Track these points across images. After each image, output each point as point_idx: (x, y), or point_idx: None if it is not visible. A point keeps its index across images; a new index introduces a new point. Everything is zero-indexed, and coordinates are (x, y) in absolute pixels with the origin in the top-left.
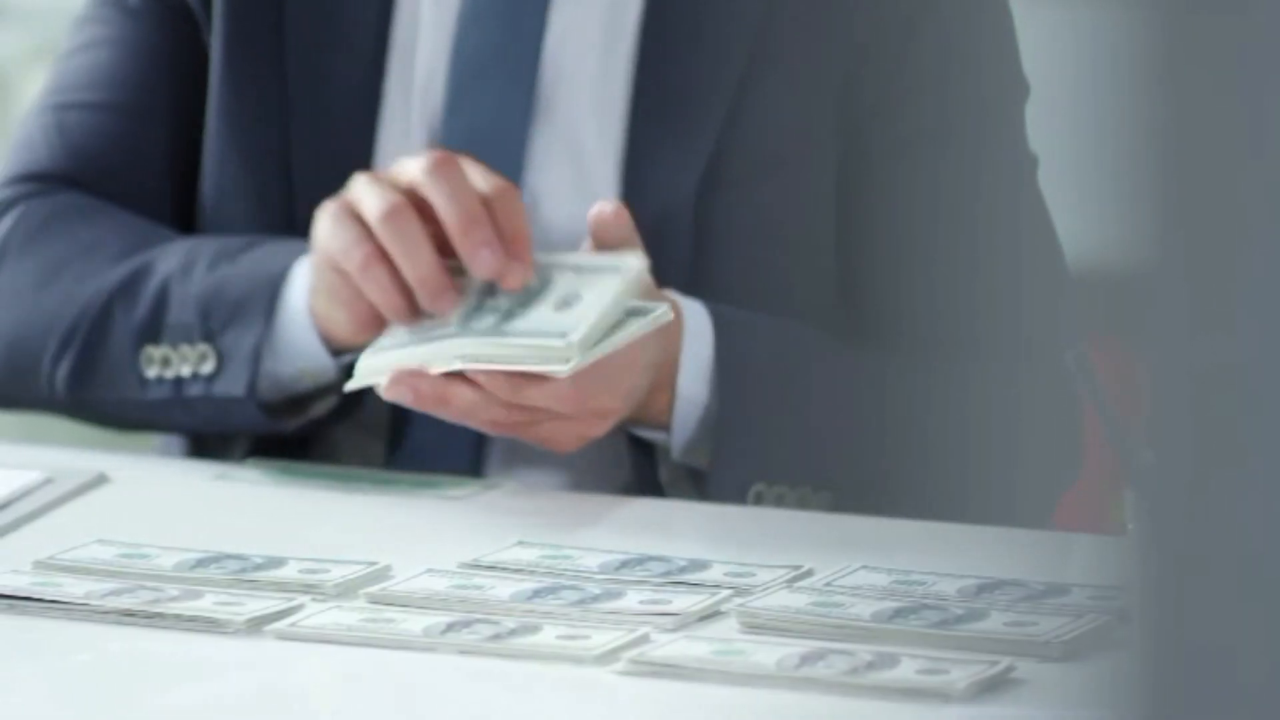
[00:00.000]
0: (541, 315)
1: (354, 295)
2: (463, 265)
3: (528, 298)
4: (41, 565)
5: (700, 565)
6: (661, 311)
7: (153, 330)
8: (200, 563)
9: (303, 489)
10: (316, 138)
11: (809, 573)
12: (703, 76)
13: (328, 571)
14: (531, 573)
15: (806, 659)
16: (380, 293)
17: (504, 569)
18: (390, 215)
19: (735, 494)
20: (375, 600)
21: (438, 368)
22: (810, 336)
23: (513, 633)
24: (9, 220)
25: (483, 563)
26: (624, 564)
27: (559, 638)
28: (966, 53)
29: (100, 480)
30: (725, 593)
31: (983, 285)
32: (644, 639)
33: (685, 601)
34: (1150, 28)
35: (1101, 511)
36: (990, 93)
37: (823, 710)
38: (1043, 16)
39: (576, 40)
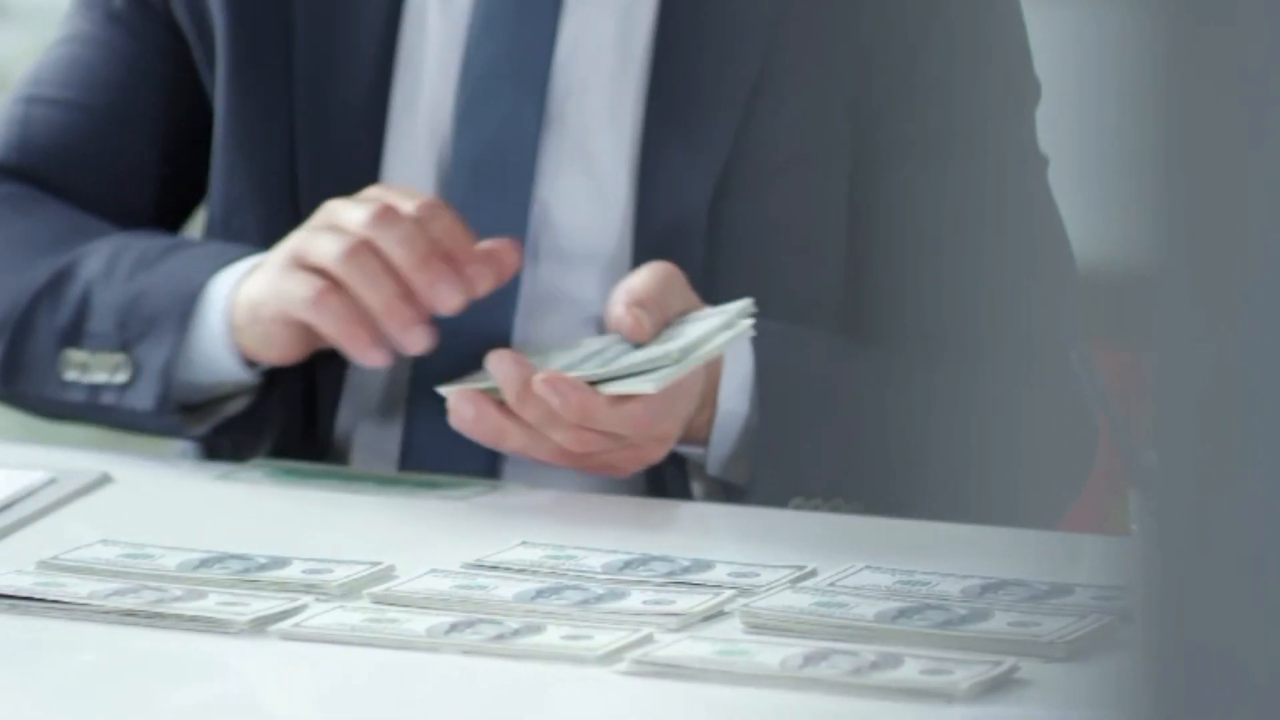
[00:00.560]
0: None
1: (290, 340)
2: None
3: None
4: (45, 565)
5: (704, 565)
6: (745, 324)
7: (74, 334)
8: (204, 563)
9: (306, 489)
10: (323, 151)
11: (812, 573)
12: (715, 84)
13: (331, 572)
14: (535, 573)
15: (810, 659)
16: (338, 324)
17: (507, 569)
18: (348, 255)
19: (773, 506)
20: (379, 600)
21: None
22: (842, 347)
23: (516, 633)
24: None
25: (486, 563)
26: (627, 564)
27: (562, 638)
28: (977, 55)
29: (104, 480)
30: (729, 593)
31: (994, 288)
32: (647, 639)
33: (689, 602)
34: (1155, 28)
35: (1106, 512)
36: (1001, 94)
37: (826, 710)
38: (1047, 16)
39: (587, 50)
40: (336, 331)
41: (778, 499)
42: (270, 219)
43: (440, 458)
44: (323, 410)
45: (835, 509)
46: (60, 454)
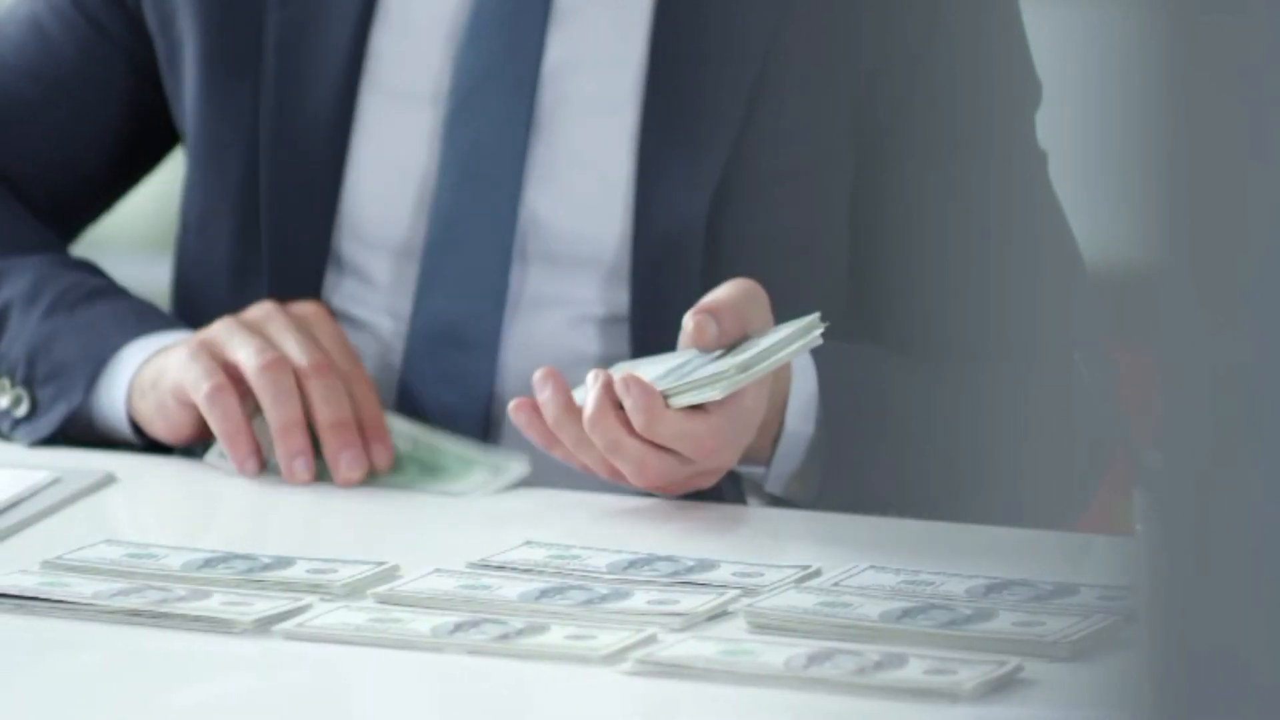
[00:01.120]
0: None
1: (181, 420)
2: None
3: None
4: (49, 565)
5: (708, 565)
6: (815, 334)
7: None
8: (208, 563)
9: (311, 489)
10: (288, 164)
11: (817, 573)
12: (713, 92)
13: (335, 571)
14: (539, 573)
15: (814, 659)
16: (224, 420)
17: (512, 569)
18: (269, 367)
19: None
20: (383, 600)
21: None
22: (892, 361)
23: (520, 633)
24: None
25: (491, 563)
26: (631, 564)
27: (567, 638)
28: (980, 59)
29: (108, 480)
30: (733, 593)
31: (1004, 290)
32: (651, 639)
33: (693, 602)
34: (1158, 27)
35: (1110, 512)
36: (1004, 97)
37: (831, 710)
38: (1050, 16)
39: (577, 60)
40: (221, 430)
41: (843, 505)
42: (244, 227)
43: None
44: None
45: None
46: (64, 454)
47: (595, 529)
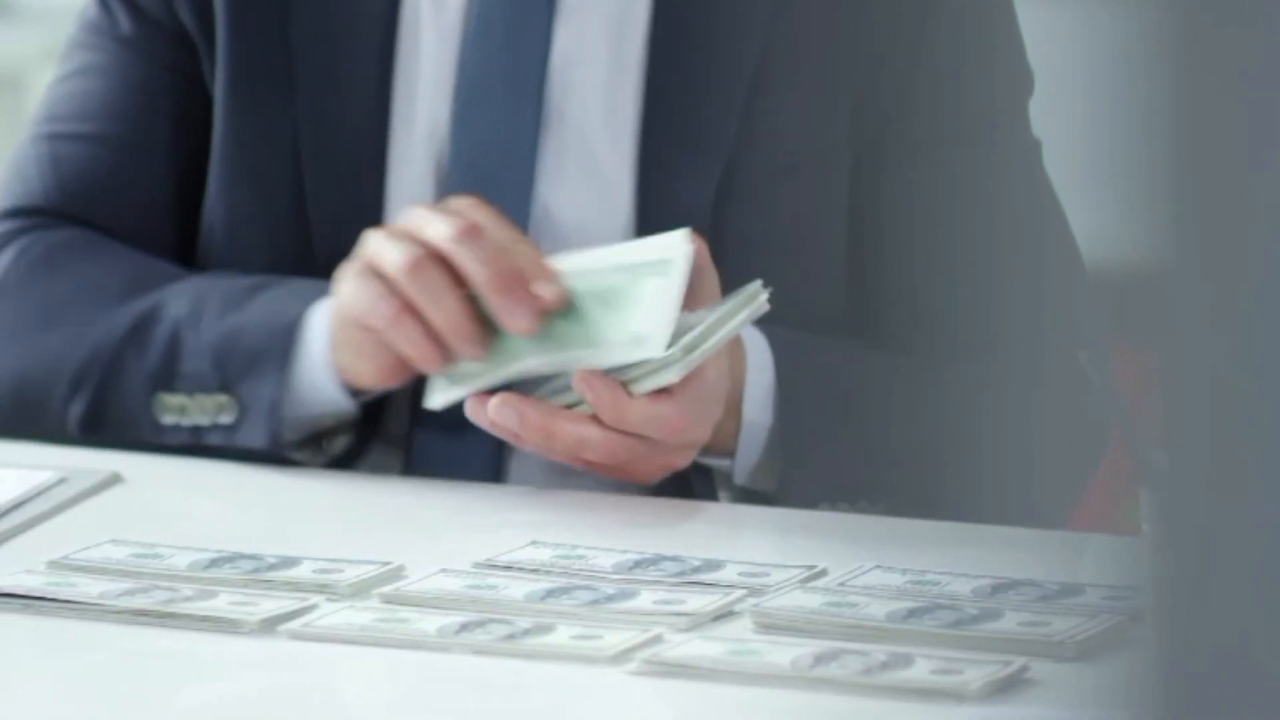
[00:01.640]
0: (616, 322)
1: (379, 349)
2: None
3: (584, 308)
4: (56, 565)
5: (714, 565)
6: (761, 299)
7: (165, 378)
8: (214, 562)
9: (317, 489)
10: (328, 161)
11: (823, 573)
12: (713, 85)
13: (341, 571)
14: (545, 573)
15: (820, 659)
16: (411, 345)
17: (518, 569)
18: (414, 268)
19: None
20: (389, 600)
21: (530, 369)
22: (857, 351)
23: (526, 633)
24: (7, 256)
25: (496, 563)
26: (638, 564)
27: (573, 638)
28: (977, 52)
29: (114, 480)
30: (739, 593)
31: (1002, 286)
32: (658, 639)
33: (699, 602)
34: (1163, 25)
35: (1116, 512)
36: (1001, 90)
37: (837, 710)
38: (1055, 15)
39: (583, 54)
40: (413, 353)
41: (805, 504)
42: (275, 234)
43: (445, 459)
44: None
45: (860, 511)
46: (70, 453)
47: (601, 529)
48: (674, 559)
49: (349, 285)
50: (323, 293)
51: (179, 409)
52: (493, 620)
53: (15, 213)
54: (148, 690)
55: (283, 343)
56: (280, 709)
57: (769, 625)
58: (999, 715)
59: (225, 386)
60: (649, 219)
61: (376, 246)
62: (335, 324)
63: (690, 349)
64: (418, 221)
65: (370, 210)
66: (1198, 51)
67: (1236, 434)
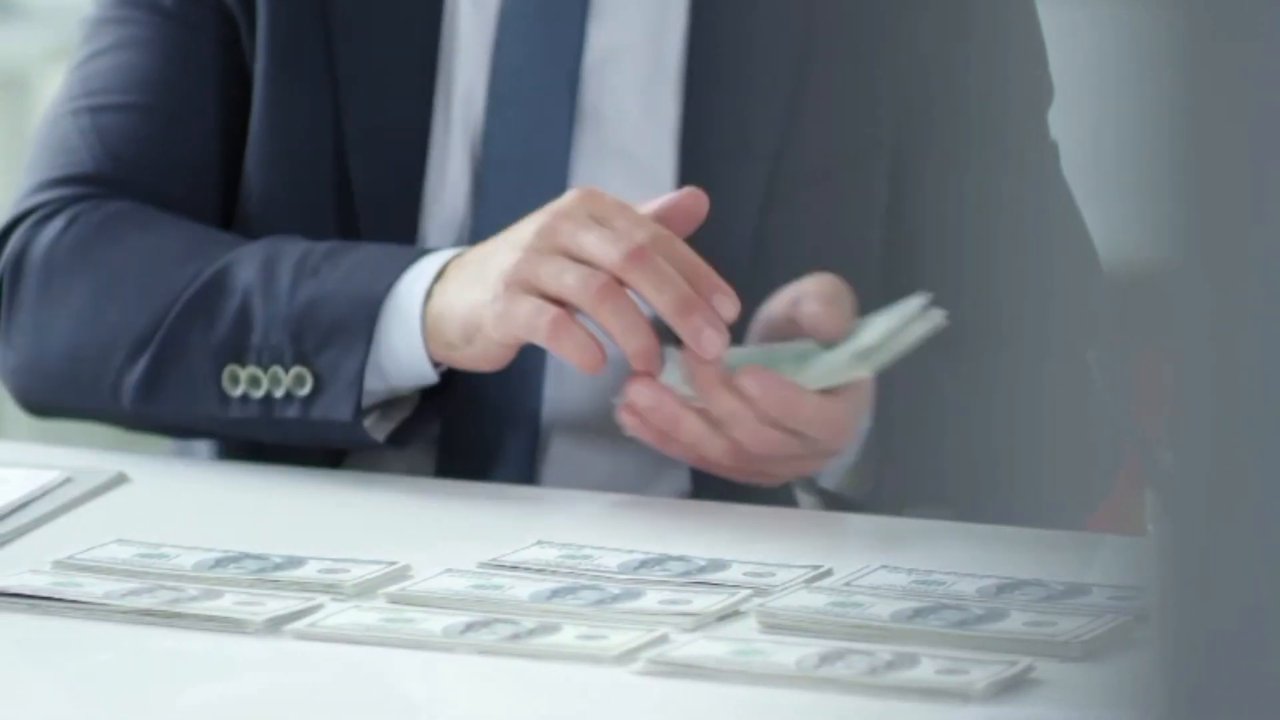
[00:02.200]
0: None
1: (512, 355)
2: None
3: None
4: (61, 565)
5: (719, 565)
6: (938, 315)
7: (235, 349)
8: (220, 562)
9: (322, 489)
10: (371, 141)
11: (828, 573)
12: (755, 84)
13: (347, 571)
14: (551, 572)
15: (826, 659)
16: (579, 352)
17: (523, 569)
18: (602, 295)
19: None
20: (394, 600)
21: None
22: (934, 354)
23: (532, 633)
24: (58, 224)
25: (502, 562)
26: (643, 564)
27: (578, 638)
28: (1007, 57)
29: (120, 480)
30: (744, 593)
31: (1025, 287)
32: (663, 639)
33: (704, 602)
34: (1171, 25)
35: (1124, 512)
36: (1028, 96)
37: (842, 710)
38: (1059, 15)
39: (618, 52)
40: (578, 359)
41: (891, 509)
42: (313, 214)
43: (478, 461)
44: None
45: (938, 517)
46: (76, 453)
47: (607, 529)
48: (679, 559)
49: (484, 299)
50: (401, 260)
51: (250, 380)
52: (498, 620)
53: (63, 181)
54: (153, 690)
55: (368, 316)
56: (285, 709)
57: (774, 625)
58: (1004, 715)
59: (302, 358)
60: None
61: (531, 264)
62: (451, 327)
63: (864, 355)
64: (568, 235)
65: (411, 193)
66: (1203, 54)
67: (1241, 434)
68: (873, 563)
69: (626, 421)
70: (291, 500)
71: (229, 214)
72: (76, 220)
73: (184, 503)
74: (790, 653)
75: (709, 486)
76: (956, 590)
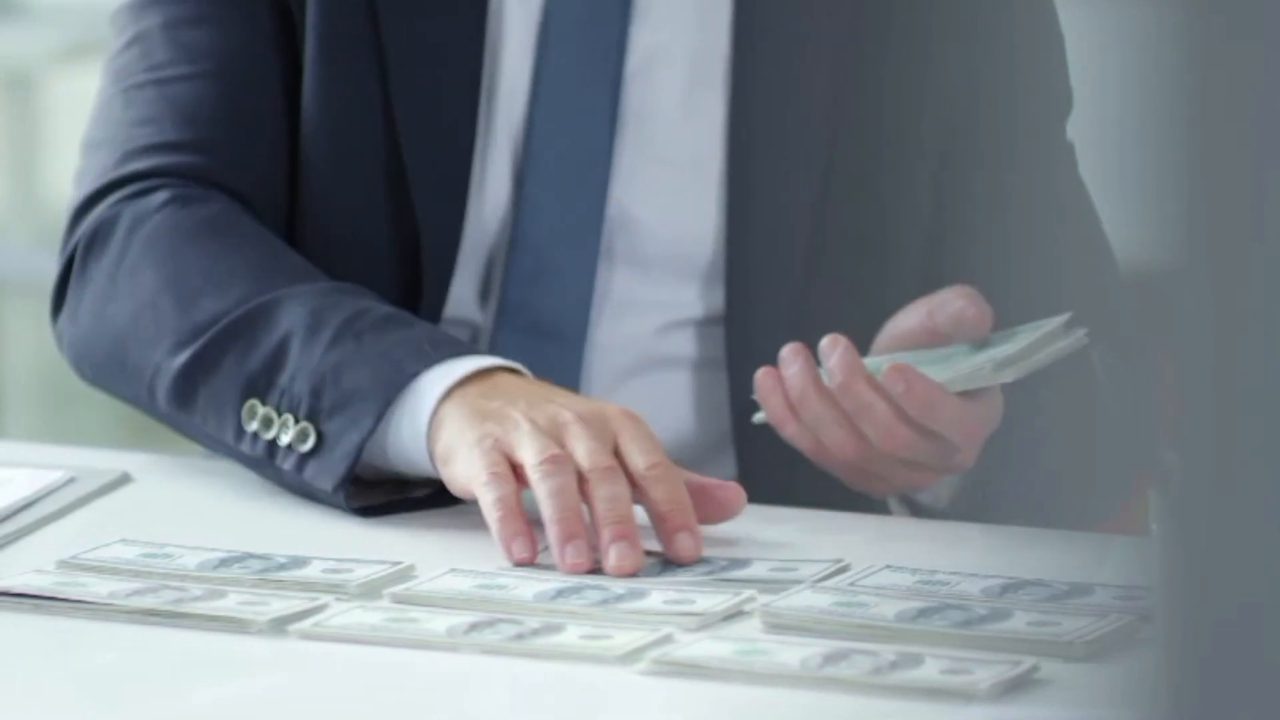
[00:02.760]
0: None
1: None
2: None
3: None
4: (65, 565)
5: (740, 564)
6: (1080, 334)
7: (263, 384)
8: (224, 562)
9: None
10: (421, 135)
11: (845, 568)
12: (802, 86)
13: (351, 571)
14: (555, 572)
15: (830, 659)
16: (494, 506)
17: (528, 568)
18: (547, 461)
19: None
20: (399, 600)
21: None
22: None
23: (536, 632)
24: (149, 203)
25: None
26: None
27: (582, 637)
28: (1033, 68)
29: (124, 480)
30: (749, 592)
31: (1049, 293)
32: (667, 639)
33: (708, 601)
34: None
35: (1130, 513)
36: (1051, 106)
37: (846, 710)
38: (1068, 15)
39: (662, 57)
40: (497, 529)
41: (983, 519)
42: (365, 192)
43: None
44: None
45: (1017, 524)
46: (80, 453)
47: None
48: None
49: (516, 431)
50: (442, 350)
51: (264, 421)
52: (502, 620)
53: (149, 150)
54: (157, 690)
55: (384, 397)
56: (290, 709)
57: (778, 625)
58: (1008, 715)
59: (313, 415)
60: (741, 224)
61: (513, 436)
62: (439, 445)
63: (1007, 363)
64: (563, 428)
65: (459, 183)
66: (1210, 54)
67: (1245, 435)
68: (877, 562)
69: (761, 384)
70: (296, 500)
71: (295, 179)
72: (169, 204)
73: (188, 502)
74: (794, 653)
75: (755, 474)
76: (961, 590)
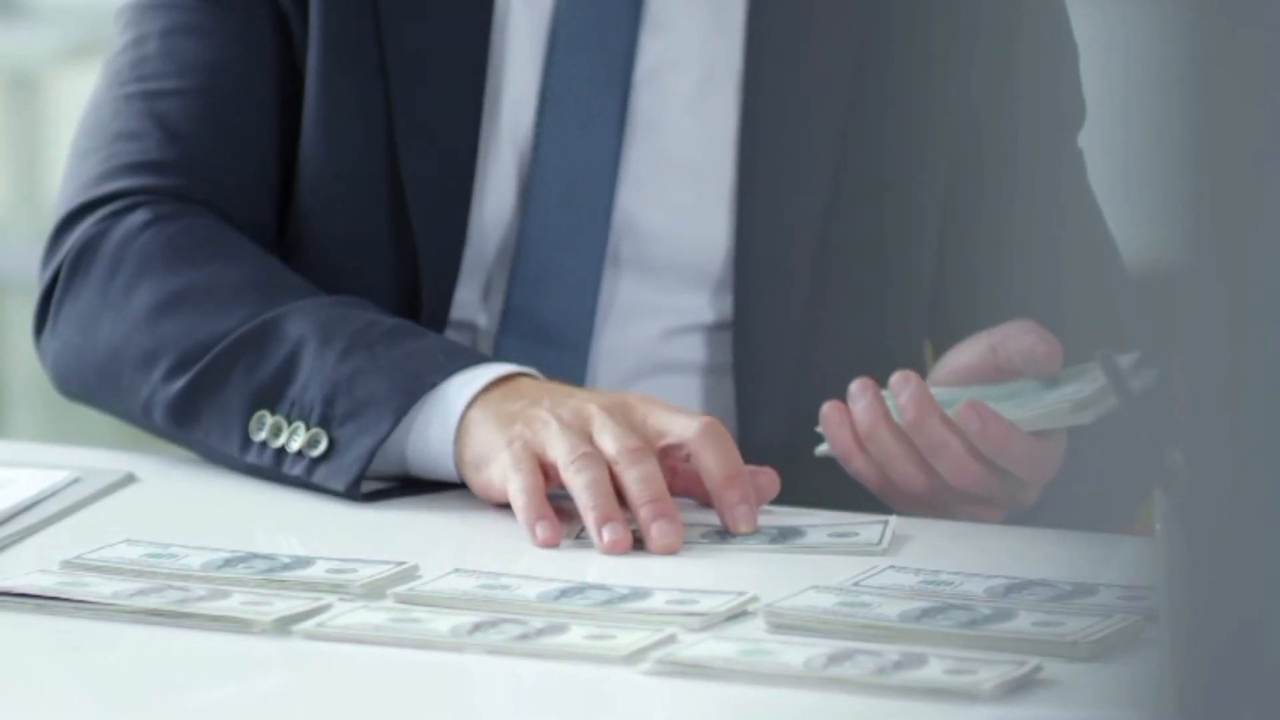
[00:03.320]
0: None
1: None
2: None
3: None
4: (69, 565)
5: (797, 532)
6: (1150, 369)
7: (273, 395)
8: (228, 562)
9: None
10: (422, 142)
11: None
12: (813, 95)
13: (355, 571)
14: (559, 572)
15: (834, 659)
16: (520, 494)
17: (530, 569)
18: (579, 459)
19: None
20: (403, 600)
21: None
22: None
23: (540, 633)
24: (135, 220)
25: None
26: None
27: (586, 638)
28: (1048, 74)
29: (128, 480)
30: (752, 592)
31: (1060, 301)
32: (671, 639)
33: (712, 601)
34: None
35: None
36: (1065, 118)
37: (850, 710)
38: (1074, 15)
39: (673, 65)
40: (524, 514)
41: (1047, 523)
42: (365, 205)
43: None
44: None
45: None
46: (85, 453)
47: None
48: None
49: (545, 430)
50: (458, 360)
51: (273, 430)
52: (506, 620)
53: (132, 169)
54: (161, 690)
55: (403, 403)
56: (294, 709)
57: (782, 625)
58: (1012, 715)
59: (325, 422)
60: (751, 231)
61: (540, 433)
62: (467, 452)
63: (1084, 404)
64: (591, 422)
65: (461, 191)
66: (1216, 54)
67: (1252, 436)
68: (881, 563)
69: (828, 418)
70: (300, 500)
71: (286, 200)
72: (155, 223)
73: (193, 503)
74: (798, 653)
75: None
76: (964, 590)
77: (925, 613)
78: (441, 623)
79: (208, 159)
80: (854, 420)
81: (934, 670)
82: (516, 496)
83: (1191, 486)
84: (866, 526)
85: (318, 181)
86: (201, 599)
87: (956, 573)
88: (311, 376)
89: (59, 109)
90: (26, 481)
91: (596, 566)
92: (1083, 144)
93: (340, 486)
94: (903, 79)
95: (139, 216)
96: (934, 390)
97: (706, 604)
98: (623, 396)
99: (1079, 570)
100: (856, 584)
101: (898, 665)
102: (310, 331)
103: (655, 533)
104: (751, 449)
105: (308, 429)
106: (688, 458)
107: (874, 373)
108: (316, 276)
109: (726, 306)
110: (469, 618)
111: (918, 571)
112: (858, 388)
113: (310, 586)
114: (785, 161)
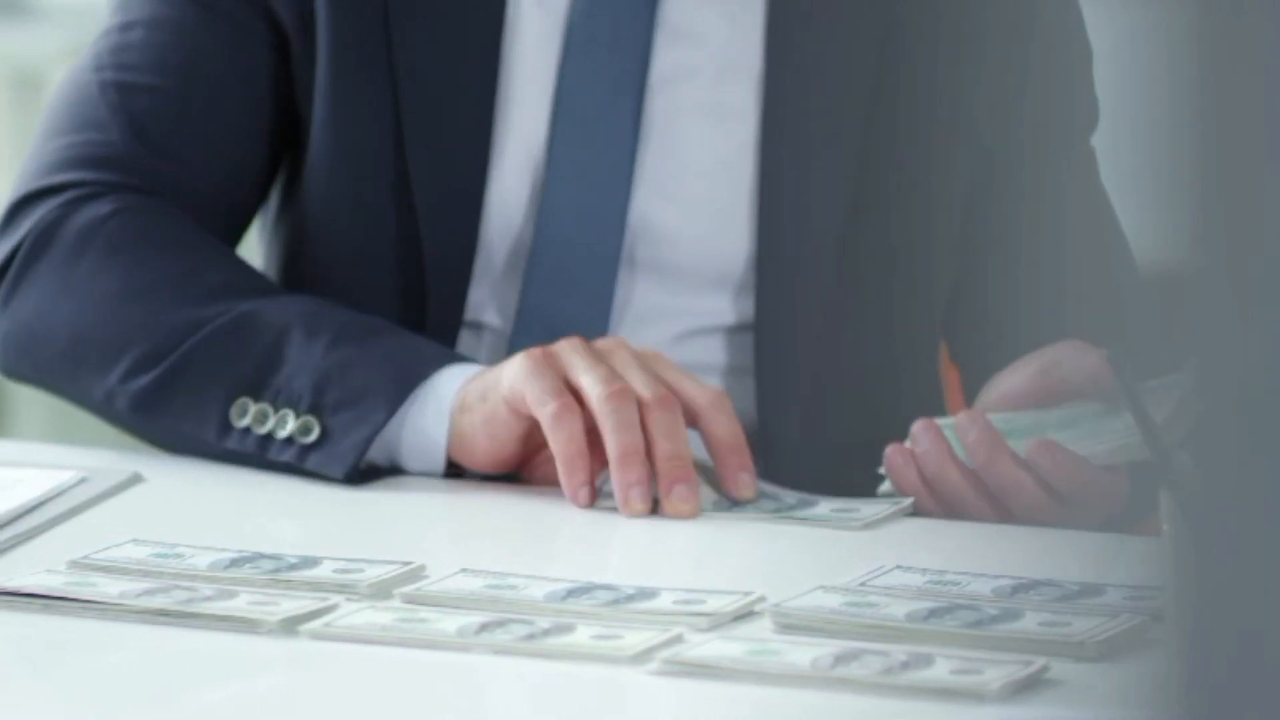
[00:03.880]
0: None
1: (509, 435)
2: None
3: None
4: (76, 565)
5: (809, 503)
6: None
7: (256, 384)
8: (235, 562)
9: (336, 489)
10: (432, 150)
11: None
12: (834, 99)
13: (362, 571)
14: (566, 572)
15: (840, 659)
16: (568, 443)
17: (535, 570)
18: (616, 396)
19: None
20: (409, 600)
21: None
22: None
23: (547, 633)
24: (100, 208)
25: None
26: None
27: (593, 638)
28: (1064, 78)
29: (135, 480)
30: (758, 593)
31: (1073, 296)
32: (678, 639)
33: (719, 601)
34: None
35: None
36: (1079, 120)
37: (857, 710)
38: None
39: (690, 70)
40: (562, 451)
41: (1112, 528)
42: (373, 213)
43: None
44: None
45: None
46: (91, 453)
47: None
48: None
49: (520, 367)
50: (445, 357)
51: (258, 416)
52: (513, 620)
53: (96, 163)
54: (168, 690)
55: (397, 392)
56: (300, 709)
57: (789, 625)
58: (1019, 716)
59: (316, 410)
60: (773, 235)
61: (564, 353)
62: (481, 393)
63: (1159, 435)
64: (609, 354)
65: (472, 198)
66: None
67: (1262, 436)
68: (888, 562)
69: (891, 462)
70: (306, 500)
71: (249, 216)
72: (122, 213)
73: (199, 503)
74: (805, 653)
75: (778, 481)
76: (971, 590)
77: (932, 613)
78: (448, 623)
79: (171, 164)
80: (919, 462)
81: (941, 670)
82: (560, 445)
83: (1200, 487)
84: (872, 505)
85: (328, 186)
86: (208, 599)
87: (963, 573)
88: (299, 366)
89: None
90: (33, 482)
91: (603, 567)
92: (1095, 141)
93: (339, 473)
94: (923, 79)
95: (104, 205)
96: (991, 418)
97: (713, 604)
98: (641, 349)
99: (1086, 570)
100: (863, 584)
101: (905, 665)
102: (294, 323)
103: (675, 496)
104: (772, 449)
105: (297, 416)
106: (691, 423)
107: (892, 373)
108: (324, 279)
109: (747, 308)
110: (476, 618)
111: (924, 571)
112: (920, 428)
113: (317, 587)
114: (808, 162)
